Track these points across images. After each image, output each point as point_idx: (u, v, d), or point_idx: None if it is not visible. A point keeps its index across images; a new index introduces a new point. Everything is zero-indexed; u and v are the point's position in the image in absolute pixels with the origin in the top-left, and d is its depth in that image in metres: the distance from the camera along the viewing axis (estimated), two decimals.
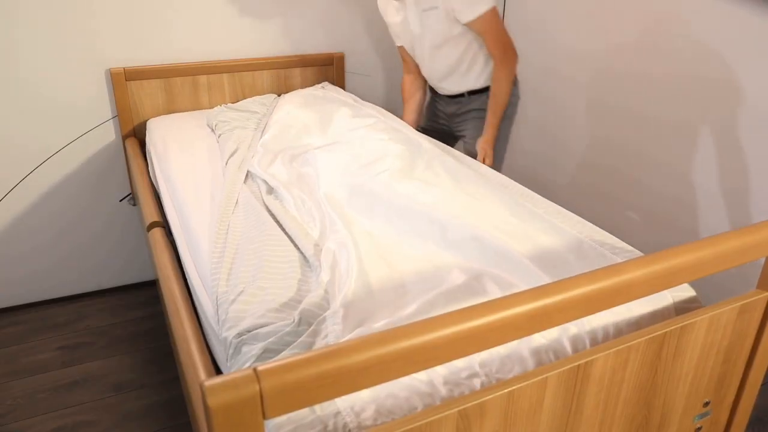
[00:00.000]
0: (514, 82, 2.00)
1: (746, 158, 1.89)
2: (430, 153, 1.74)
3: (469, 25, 1.87)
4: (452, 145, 2.08)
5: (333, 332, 0.99)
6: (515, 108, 2.07)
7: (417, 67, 2.15)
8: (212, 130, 2.07)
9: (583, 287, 0.80)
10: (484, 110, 2.03)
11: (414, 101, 2.23)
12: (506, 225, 1.35)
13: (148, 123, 2.21)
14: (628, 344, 0.90)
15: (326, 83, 2.49)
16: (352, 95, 2.38)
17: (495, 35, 1.88)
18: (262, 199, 1.54)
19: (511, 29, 2.76)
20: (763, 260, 1.11)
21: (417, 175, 1.60)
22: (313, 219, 1.42)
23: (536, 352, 0.96)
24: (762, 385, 1.82)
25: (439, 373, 0.90)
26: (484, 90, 2.04)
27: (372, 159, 1.68)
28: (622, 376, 0.92)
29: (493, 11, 1.85)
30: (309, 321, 1.02)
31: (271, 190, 1.59)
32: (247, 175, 1.69)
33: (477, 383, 0.91)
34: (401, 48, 2.14)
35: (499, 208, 1.43)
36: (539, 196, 1.52)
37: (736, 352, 1.07)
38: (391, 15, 2.05)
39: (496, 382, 0.92)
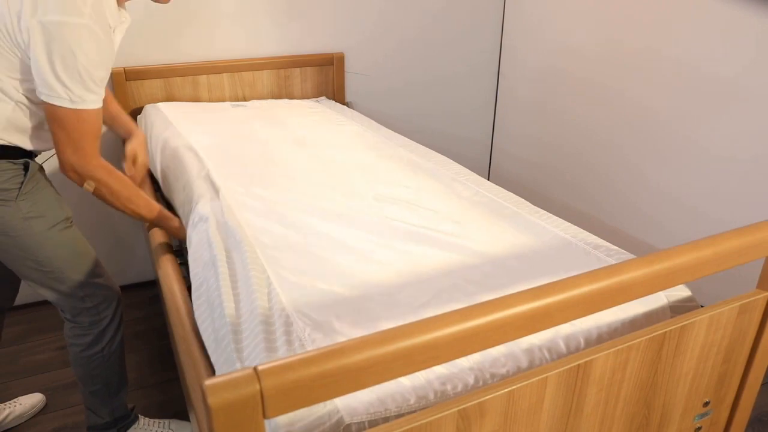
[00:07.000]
0: None
1: (745, 159, 1.89)
2: (426, 168, 1.75)
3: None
4: None
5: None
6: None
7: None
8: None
9: (583, 287, 0.80)
10: None
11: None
12: (500, 230, 1.37)
13: (144, 108, 2.19)
14: (628, 344, 0.90)
15: (324, 98, 2.46)
16: (351, 110, 2.36)
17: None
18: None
19: (511, 29, 2.77)
20: (763, 260, 1.11)
21: (410, 184, 1.62)
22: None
23: (529, 350, 0.97)
24: (762, 385, 1.82)
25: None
26: None
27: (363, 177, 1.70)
28: (622, 375, 0.92)
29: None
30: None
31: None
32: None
33: (471, 378, 0.92)
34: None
35: (493, 216, 1.45)
36: (527, 203, 1.54)
37: (736, 352, 1.07)
38: (119, 32, 1.38)
39: (489, 376, 0.93)
